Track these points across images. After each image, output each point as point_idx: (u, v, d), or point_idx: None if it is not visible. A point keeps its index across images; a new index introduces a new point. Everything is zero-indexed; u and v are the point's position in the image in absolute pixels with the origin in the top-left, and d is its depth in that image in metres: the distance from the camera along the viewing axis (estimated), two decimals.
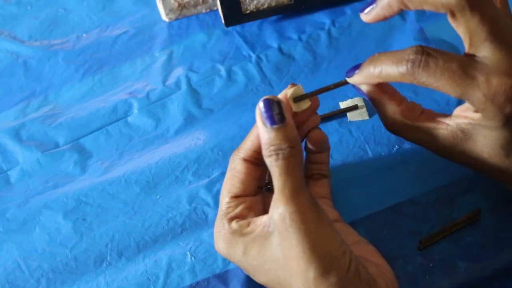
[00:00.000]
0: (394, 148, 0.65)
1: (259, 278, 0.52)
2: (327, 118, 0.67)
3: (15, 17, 0.79)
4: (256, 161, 0.53)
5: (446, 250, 0.59)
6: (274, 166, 0.47)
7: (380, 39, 0.73)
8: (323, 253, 0.45)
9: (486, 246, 0.59)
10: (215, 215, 0.62)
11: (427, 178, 0.63)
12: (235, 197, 0.53)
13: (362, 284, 0.47)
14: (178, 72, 0.73)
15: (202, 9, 0.77)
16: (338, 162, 0.65)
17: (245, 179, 0.53)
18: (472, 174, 0.62)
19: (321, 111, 0.67)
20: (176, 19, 0.77)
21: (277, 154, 0.47)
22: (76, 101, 0.72)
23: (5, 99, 0.73)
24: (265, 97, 0.49)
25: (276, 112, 0.48)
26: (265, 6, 0.74)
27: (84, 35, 0.77)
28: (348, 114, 0.67)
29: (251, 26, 0.75)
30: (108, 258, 0.61)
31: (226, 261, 0.60)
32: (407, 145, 0.65)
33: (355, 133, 0.66)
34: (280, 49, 0.73)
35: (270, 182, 0.57)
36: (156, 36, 0.76)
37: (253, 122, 0.68)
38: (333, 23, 0.75)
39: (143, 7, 0.79)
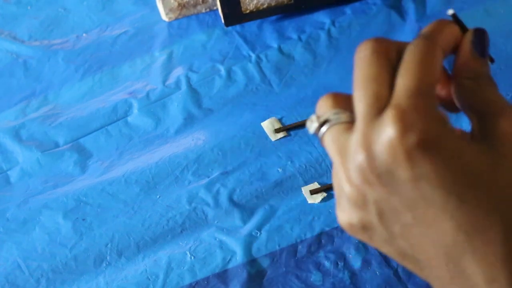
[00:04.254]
0: None
1: None
2: None
3: (15, 17, 0.79)
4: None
5: None
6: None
7: None
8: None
9: None
10: (215, 214, 0.62)
11: None
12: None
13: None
14: (178, 72, 0.73)
15: (202, 9, 0.77)
16: None
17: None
18: None
19: None
20: (176, 19, 0.77)
21: (475, 79, 0.41)
22: (76, 101, 0.72)
23: (5, 99, 0.73)
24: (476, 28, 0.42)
25: (484, 46, 0.42)
26: (265, 6, 0.74)
27: (84, 35, 0.77)
28: None
29: (251, 26, 0.75)
30: (108, 258, 0.61)
31: (225, 260, 0.60)
32: None
33: None
34: (280, 49, 0.73)
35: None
36: (156, 36, 0.76)
37: (253, 121, 0.68)
38: (333, 23, 0.75)
39: (143, 7, 0.79)
